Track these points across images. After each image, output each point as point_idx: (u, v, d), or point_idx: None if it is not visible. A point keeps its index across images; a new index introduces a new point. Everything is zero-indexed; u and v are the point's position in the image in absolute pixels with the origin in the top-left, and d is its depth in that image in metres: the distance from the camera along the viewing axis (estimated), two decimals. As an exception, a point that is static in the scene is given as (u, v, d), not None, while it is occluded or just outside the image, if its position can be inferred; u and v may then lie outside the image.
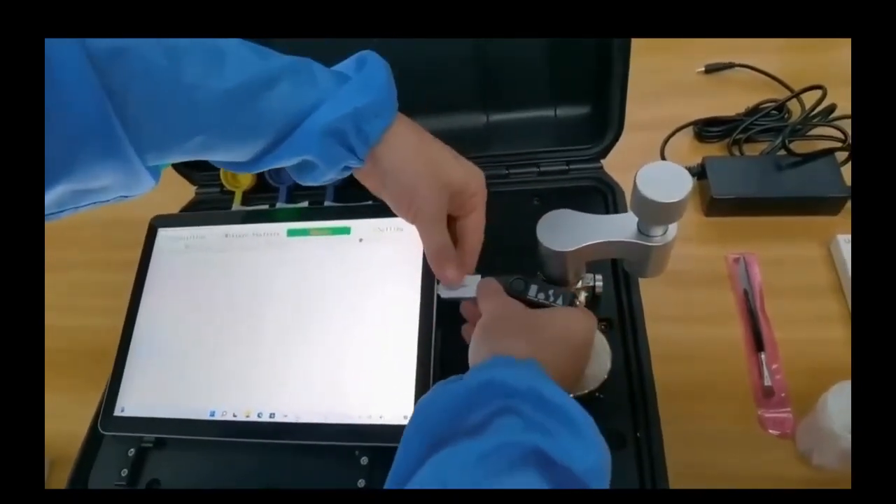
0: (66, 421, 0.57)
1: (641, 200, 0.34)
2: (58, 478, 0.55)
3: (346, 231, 0.46)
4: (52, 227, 0.72)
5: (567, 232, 0.38)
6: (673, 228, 0.37)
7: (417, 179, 0.36)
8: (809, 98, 0.61)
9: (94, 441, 0.44)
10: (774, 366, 0.50)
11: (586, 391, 0.40)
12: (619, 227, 0.37)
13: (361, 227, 0.46)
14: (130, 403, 0.43)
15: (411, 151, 0.36)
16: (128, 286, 0.49)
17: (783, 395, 0.49)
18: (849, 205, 0.56)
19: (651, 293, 0.47)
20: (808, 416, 0.45)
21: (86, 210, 0.35)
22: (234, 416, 0.40)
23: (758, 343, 0.51)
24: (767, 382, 0.49)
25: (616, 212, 0.49)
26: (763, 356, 0.50)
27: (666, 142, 0.63)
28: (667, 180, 0.34)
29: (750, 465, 0.46)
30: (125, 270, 0.51)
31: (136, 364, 0.45)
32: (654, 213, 0.35)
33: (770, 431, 0.47)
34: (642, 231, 0.37)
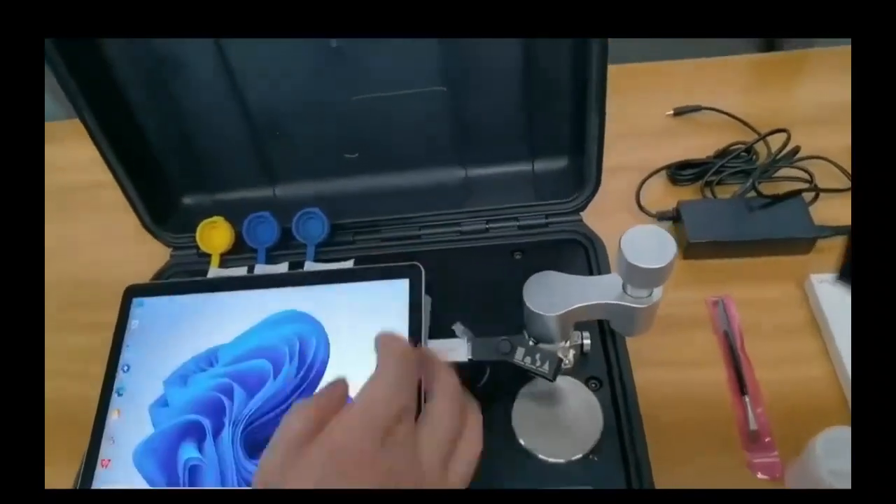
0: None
1: (626, 266, 0.34)
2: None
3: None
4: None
5: (553, 294, 0.38)
6: (658, 290, 0.37)
7: None
8: (774, 140, 0.63)
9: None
10: (759, 409, 0.51)
11: (581, 455, 0.40)
12: (604, 289, 0.38)
13: (345, 289, 0.45)
14: (108, 486, 0.41)
15: None
16: (97, 350, 0.48)
17: (768, 439, 0.49)
18: (819, 244, 0.57)
19: (636, 338, 0.47)
20: (797, 461, 0.45)
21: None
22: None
23: (741, 386, 0.52)
24: (753, 426, 0.50)
25: (598, 265, 0.49)
26: (747, 399, 0.51)
27: (640, 187, 0.65)
28: (651, 245, 0.34)
29: (742, 513, 0.46)
30: (94, 333, 0.49)
31: (114, 440, 0.43)
32: (639, 278, 0.35)
33: (759, 475, 0.48)
34: (628, 293, 0.37)
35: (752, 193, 0.61)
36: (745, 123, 0.67)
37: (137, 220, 0.56)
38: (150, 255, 0.57)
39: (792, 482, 0.47)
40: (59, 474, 0.44)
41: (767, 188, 0.61)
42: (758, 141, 0.64)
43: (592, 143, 0.47)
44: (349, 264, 0.52)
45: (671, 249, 0.34)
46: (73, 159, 0.83)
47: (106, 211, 0.76)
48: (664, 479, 0.39)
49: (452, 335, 0.44)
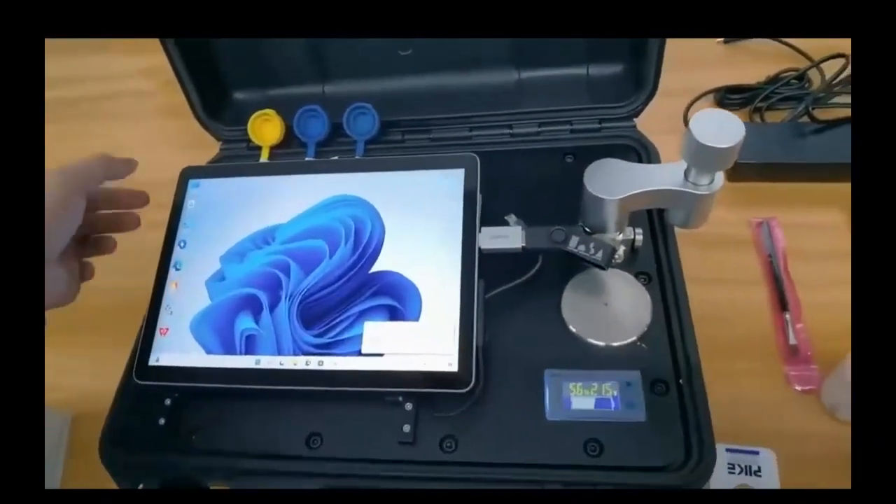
0: (86, 378, 0.56)
1: (695, 147, 0.34)
2: (81, 434, 0.54)
3: (384, 181, 0.45)
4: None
5: (615, 180, 0.38)
6: (719, 177, 0.37)
7: None
8: (829, 67, 0.62)
9: (129, 390, 0.43)
10: (799, 325, 0.51)
11: (628, 341, 0.40)
12: (666, 176, 0.38)
13: (401, 177, 0.45)
14: (166, 352, 0.43)
15: None
16: (148, 244, 0.48)
17: (808, 353, 0.50)
18: (870, 171, 0.56)
19: (680, 254, 0.47)
20: (835, 370, 0.46)
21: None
22: (281, 364, 0.40)
23: (783, 303, 0.52)
24: (792, 341, 0.50)
25: (651, 170, 0.49)
26: (788, 316, 0.51)
27: (689, 108, 0.64)
28: (720, 127, 0.34)
29: (779, 421, 0.47)
30: (143, 230, 0.50)
31: (171, 310, 0.44)
32: (706, 160, 0.35)
33: (796, 387, 0.48)
34: (690, 180, 0.37)
35: (805, 119, 0.60)
36: (799, 51, 0.66)
37: (182, 125, 0.56)
38: (195, 158, 0.57)
39: (827, 395, 0.47)
40: (114, 357, 0.46)
41: (821, 115, 0.60)
42: (811, 67, 0.63)
43: (653, 45, 0.47)
44: (398, 163, 0.52)
45: (740, 130, 0.34)
46: (116, 69, 0.83)
47: (151, 118, 0.77)
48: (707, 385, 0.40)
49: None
